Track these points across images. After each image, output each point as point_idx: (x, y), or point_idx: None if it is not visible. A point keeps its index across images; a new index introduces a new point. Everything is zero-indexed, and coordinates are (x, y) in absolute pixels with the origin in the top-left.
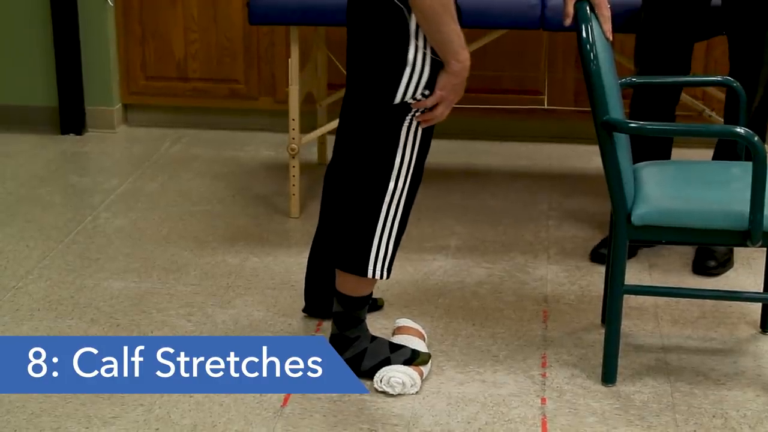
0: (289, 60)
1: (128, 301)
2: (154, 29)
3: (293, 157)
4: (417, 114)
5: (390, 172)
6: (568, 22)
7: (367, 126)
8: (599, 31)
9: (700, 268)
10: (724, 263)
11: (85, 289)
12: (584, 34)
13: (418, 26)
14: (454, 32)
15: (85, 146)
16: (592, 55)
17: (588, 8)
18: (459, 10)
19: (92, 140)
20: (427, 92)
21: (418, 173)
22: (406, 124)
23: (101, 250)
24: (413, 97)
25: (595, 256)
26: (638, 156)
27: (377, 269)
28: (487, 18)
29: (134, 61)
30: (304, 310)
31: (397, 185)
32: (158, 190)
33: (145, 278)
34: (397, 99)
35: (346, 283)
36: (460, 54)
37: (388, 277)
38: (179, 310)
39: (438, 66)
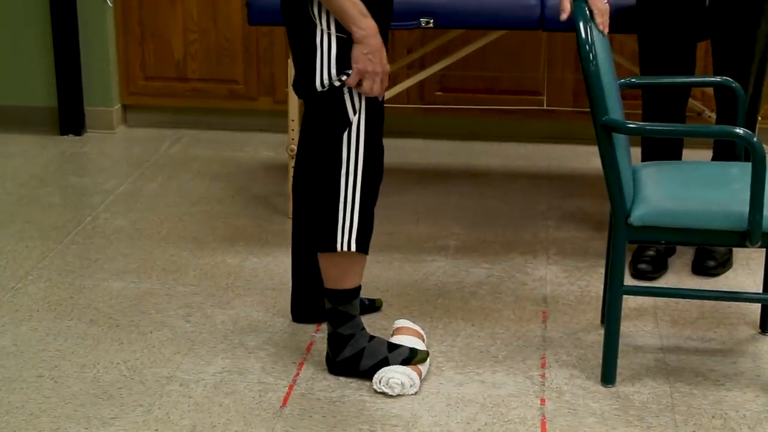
0: (289, 60)
1: (127, 302)
2: (154, 29)
3: (292, 158)
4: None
5: (340, 143)
6: (564, 17)
7: (312, 112)
8: (598, 32)
9: (700, 268)
10: (724, 263)
11: (85, 289)
12: (583, 35)
13: (320, 10)
14: (347, 1)
15: (85, 147)
16: (591, 55)
17: (586, 8)
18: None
19: (91, 141)
20: (349, 71)
21: (373, 142)
22: (347, 98)
23: (100, 250)
24: (331, 78)
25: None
26: (649, 156)
27: (344, 242)
28: (486, 18)
29: (133, 62)
30: (292, 315)
31: (351, 154)
32: (157, 191)
33: (145, 279)
34: (318, 84)
35: (330, 277)
36: (361, 21)
37: (360, 250)
38: (178, 311)
39: (347, 43)
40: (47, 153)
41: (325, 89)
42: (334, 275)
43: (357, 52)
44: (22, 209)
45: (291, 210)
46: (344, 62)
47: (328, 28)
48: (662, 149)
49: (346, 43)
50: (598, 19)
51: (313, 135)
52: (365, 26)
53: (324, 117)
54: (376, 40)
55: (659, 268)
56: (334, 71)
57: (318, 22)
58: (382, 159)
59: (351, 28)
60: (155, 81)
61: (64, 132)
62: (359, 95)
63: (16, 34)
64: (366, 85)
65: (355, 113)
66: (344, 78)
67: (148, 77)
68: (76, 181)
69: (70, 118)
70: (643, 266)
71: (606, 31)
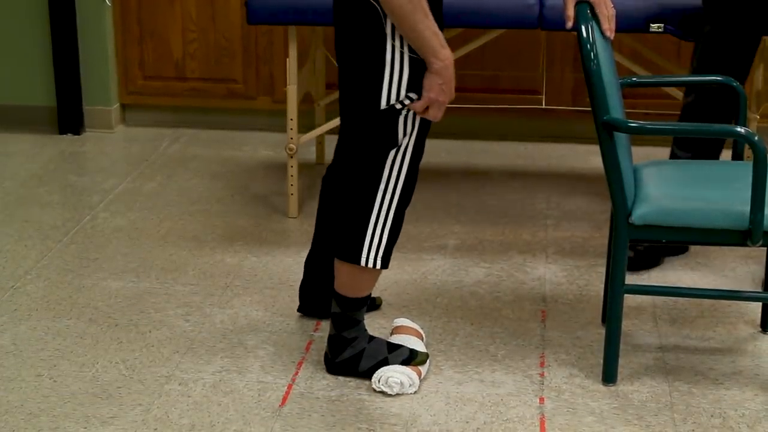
0: (287, 60)
1: (126, 301)
2: (153, 29)
3: (291, 157)
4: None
5: (384, 162)
6: (569, 24)
7: (361, 126)
8: (599, 31)
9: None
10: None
11: (84, 288)
12: (584, 34)
13: (393, 27)
14: (428, 30)
15: (84, 146)
16: (592, 54)
17: (588, 9)
18: (440, 6)
19: (90, 140)
20: (413, 95)
21: (414, 165)
22: (401, 117)
23: (99, 249)
24: (398, 99)
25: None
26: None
27: (371, 257)
28: (484, 17)
29: (132, 61)
30: (299, 310)
31: (392, 175)
32: (156, 190)
33: (144, 278)
34: (383, 102)
35: (344, 284)
36: (440, 52)
37: (382, 266)
38: (177, 310)
39: (419, 65)
40: (46, 152)
41: (384, 109)
42: (349, 283)
43: (431, 81)
44: (21, 208)
45: (290, 209)
46: (415, 85)
47: (401, 46)
48: (702, 148)
49: (418, 65)
50: (605, 25)
51: (359, 149)
52: (444, 57)
53: (374, 133)
54: (452, 72)
55: (646, 263)
56: (403, 92)
57: (390, 38)
58: (417, 173)
59: (429, 59)
60: (154, 80)
61: (63, 131)
62: (413, 118)
63: (15, 34)
64: (432, 112)
65: (404, 135)
66: (407, 102)
67: (147, 76)
68: (75, 180)
69: (68, 118)
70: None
71: (612, 36)
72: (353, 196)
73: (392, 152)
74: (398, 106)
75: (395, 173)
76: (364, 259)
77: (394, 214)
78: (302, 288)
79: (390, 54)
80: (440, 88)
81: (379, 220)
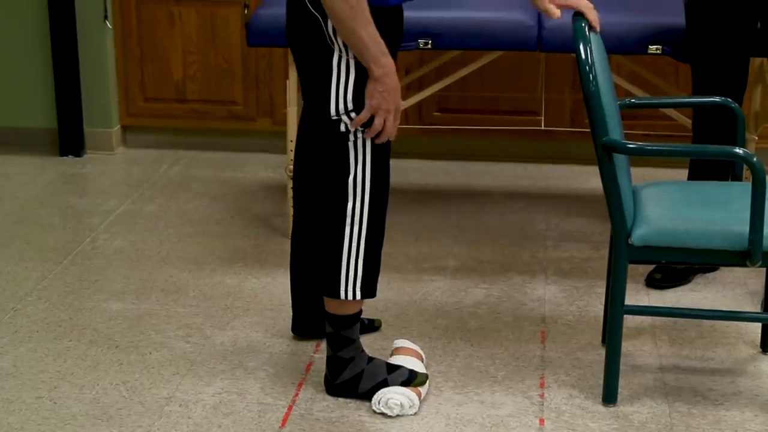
0: (287, 82)
1: (126, 323)
2: (153, 51)
3: (291, 179)
4: (361, 130)
5: (345, 192)
6: (556, 15)
7: (316, 144)
8: (598, 52)
9: (650, 279)
10: (673, 278)
11: (84, 310)
12: (583, 55)
13: (335, 32)
14: (368, 37)
15: (84, 168)
16: (591, 76)
17: (586, 27)
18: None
19: (91, 162)
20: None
21: (379, 190)
22: (351, 139)
23: (100, 271)
24: (345, 107)
25: (650, 282)
26: (699, 174)
27: (349, 291)
28: (484, 40)
29: (133, 83)
30: (292, 330)
31: (356, 204)
32: (157, 212)
33: (144, 299)
34: (332, 109)
35: (331, 303)
36: (380, 59)
37: (366, 296)
38: (177, 332)
39: (364, 72)
40: (47, 174)
41: (338, 118)
42: (336, 305)
43: (372, 88)
44: (22, 230)
45: (290, 230)
46: (361, 89)
47: (347, 53)
48: (712, 169)
49: (364, 71)
50: (591, 16)
51: (320, 179)
52: (384, 64)
53: (326, 161)
54: (394, 79)
55: (673, 279)
56: (350, 97)
57: (335, 45)
58: (386, 199)
59: (369, 65)
60: (155, 102)
61: (63, 153)
62: (363, 144)
63: (16, 56)
64: (377, 121)
65: (356, 162)
66: (353, 116)
67: (147, 98)
68: (76, 201)
69: (69, 140)
70: (657, 275)
71: (598, 28)
72: (322, 232)
73: (350, 181)
74: (345, 120)
75: (359, 203)
76: (343, 292)
77: (366, 244)
78: (294, 311)
79: (336, 60)
80: (381, 95)
81: (352, 252)
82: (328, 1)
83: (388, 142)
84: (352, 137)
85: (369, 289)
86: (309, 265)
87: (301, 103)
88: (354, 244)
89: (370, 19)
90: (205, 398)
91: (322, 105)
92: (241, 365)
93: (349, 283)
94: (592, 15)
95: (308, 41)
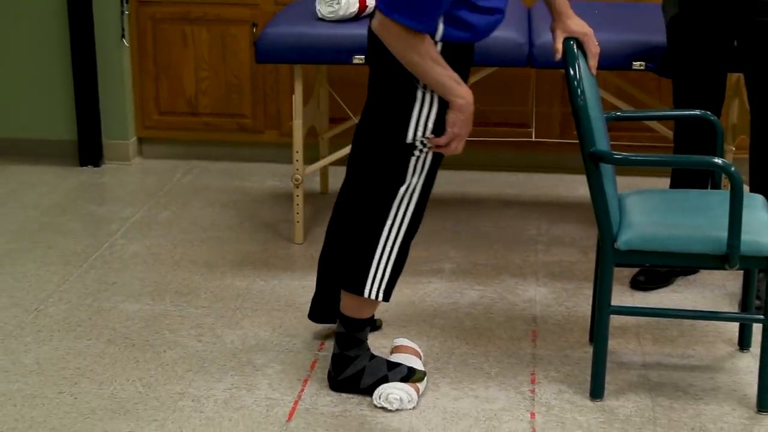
0: (293, 96)
1: (142, 323)
2: (167, 68)
3: (297, 187)
4: (428, 147)
5: (393, 200)
6: (558, 57)
7: (377, 157)
8: (586, 68)
9: (634, 282)
10: (656, 281)
11: (103, 311)
12: (572, 72)
13: None
14: (441, 75)
15: (103, 177)
16: (579, 90)
17: (575, 46)
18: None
19: (109, 172)
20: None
21: (422, 204)
22: (415, 155)
23: (117, 274)
24: (424, 134)
25: (634, 284)
26: (681, 183)
27: (374, 290)
28: (477, 56)
29: (148, 98)
30: (309, 316)
31: (399, 212)
32: (171, 218)
33: (159, 301)
34: (409, 136)
35: (349, 306)
36: (457, 90)
37: (385, 299)
38: (190, 331)
39: (445, 104)
40: (67, 183)
41: (408, 143)
42: (353, 306)
43: (454, 117)
44: (45, 236)
45: (296, 236)
46: (441, 122)
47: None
48: (690, 178)
49: (445, 104)
50: (591, 62)
51: (369, 184)
52: (463, 94)
53: (385, 169)
54: (472, 107)
55: (656, 281)
56: (430, 128)
57: (419, 81)
58: (425, 209)
59: (449, 98)
60: (169, 116)
61: (83, 163)
62: (424, 160)
63: (39, 72)
64: (453, 145)
65: (414, 175)
66: (430, 136)
67: (162, 112)
68: (95, 209)
69: (89, 151)
70: (641, 278)
71: (595, 72)
72: (360, 230)
73: (401, 190)
74: (419, 146)
75: (402, 210)
76: (368, 291)
77: (399, 248)
78: (315, 296)
79: (421, 91)
80: (463, 122)
81: (384, 254)
82: (398, 52)
83: (441, 156)
84: (417, 152)
85: (388, 293)
86: (339, 259)
87: (306, 116)
88: (388, 247)
89: (439, 58)
90: (216, 393)
91: (398, 129)
92: (250, 362)
93: (375, 283)
94: (593, 62)
95: (391, 71)
